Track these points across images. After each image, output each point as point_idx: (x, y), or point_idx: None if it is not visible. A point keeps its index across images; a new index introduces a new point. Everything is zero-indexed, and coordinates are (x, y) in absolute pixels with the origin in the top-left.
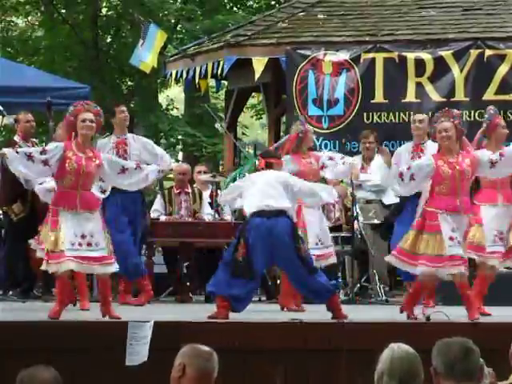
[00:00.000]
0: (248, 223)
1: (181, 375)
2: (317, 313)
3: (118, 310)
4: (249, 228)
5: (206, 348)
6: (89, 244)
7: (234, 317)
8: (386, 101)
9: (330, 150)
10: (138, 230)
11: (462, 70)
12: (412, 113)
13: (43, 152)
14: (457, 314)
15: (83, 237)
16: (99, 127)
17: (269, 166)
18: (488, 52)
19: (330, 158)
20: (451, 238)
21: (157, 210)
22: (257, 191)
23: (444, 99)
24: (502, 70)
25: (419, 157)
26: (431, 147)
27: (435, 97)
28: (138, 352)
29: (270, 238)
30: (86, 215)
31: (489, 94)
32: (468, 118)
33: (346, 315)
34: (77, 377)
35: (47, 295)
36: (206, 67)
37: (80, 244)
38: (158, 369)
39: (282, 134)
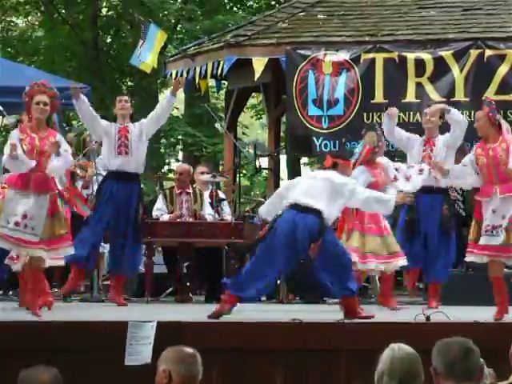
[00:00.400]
0: (280, 214)
1: (167, 382)
2: (318, 313)
3: (118, 310)
4: (279, 219)
5: (189, 350)
6: (26, 226)
7: (234, 317)
8: (386, 101)
9: (330, 149)
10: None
11: (461, 70)
12: (412, 113)
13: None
14: (457, 314)
15: (24, 217)
16: (54, 109)
17: (334, 166)
18: (488, 52)
19: (396, 169)
20: (487, 227)
21: (160, 209)
22: (301, 187)
23: (444, 99)
24: (502, 70)
25: (431, 150)
26: (441, 141)
27: (435, 97)
28: (139, 352)
29: (294, 232)
30: (36, 197)
31: (489, 94)
32: (468, 118)
33: (359, 314)
34: (77, 377)
35: None
36: (206, 67)
37: (17, 223)
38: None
39: (281, 134)
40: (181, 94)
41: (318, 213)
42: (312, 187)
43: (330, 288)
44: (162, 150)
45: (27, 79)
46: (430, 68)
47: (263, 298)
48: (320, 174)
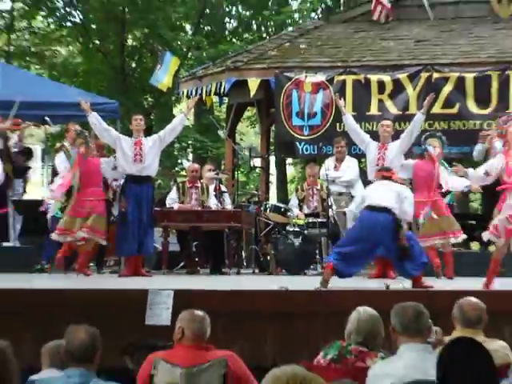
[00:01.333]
0: (361, 213)
1: (180, 337)
2: (301, 282)
3: (139, 281)
4: (360, 217)
5: (200, 313)
6: None
7: (234, 286)
8: (355, 113)
9: (310, 152)
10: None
11: (414, 89)
12: (375, 123)
13: None
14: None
15: None
16: None
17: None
18: (435, 75)
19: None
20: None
21: (173, 199)
22: (375, 192)
23: (400, 112)
24: (446, 89)
25: (384, 153)
26: (393, 146)
27: (393, 110)
28: (158, 315)
29: (374, 228)
30: None
31: (436, 109)
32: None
33: (429, 286)
34: (107, 332)
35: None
36: (211, 86)
37: None
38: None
39: (271, 140)
40: (191, 110)
41: (389, 211)
42: (384, 192)
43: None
44: (176, 153)
45: (69, 96)
46: (389, 87)
47: (256, 270)
48: (385, 183)
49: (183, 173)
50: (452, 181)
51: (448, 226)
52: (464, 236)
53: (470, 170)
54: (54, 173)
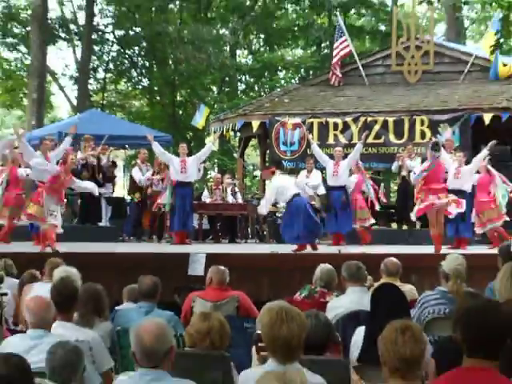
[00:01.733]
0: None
1: (210, 282)
2: (286, 249)
3: (184, 247)
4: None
5: (222, 267)
6: None
7: (241, 250)
8: (319, 142)
9: (291, 167)
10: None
11: (356, 127)
12: (331, 148)
13: None
14: (355, 250)
15: None
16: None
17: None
18: (369, 119)
19: None
20: None
21: (205, 196)
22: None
23: (347, 142)
24: (376, 127)
25: (337, 168)
26: (343, 163)
27: (343, 140)
28: (196, 268)
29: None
30: None
31: (369, 140)
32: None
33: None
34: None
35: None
36: (229, 126)
37: None
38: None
39: (266, 159)
40: (216, 141)
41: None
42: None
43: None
44: (206, 167)
45: (140, 132)
46: (340, 126)
47: (257, 241)
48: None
49: (212, 179)
50: None
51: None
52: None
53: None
54: (132, 180)
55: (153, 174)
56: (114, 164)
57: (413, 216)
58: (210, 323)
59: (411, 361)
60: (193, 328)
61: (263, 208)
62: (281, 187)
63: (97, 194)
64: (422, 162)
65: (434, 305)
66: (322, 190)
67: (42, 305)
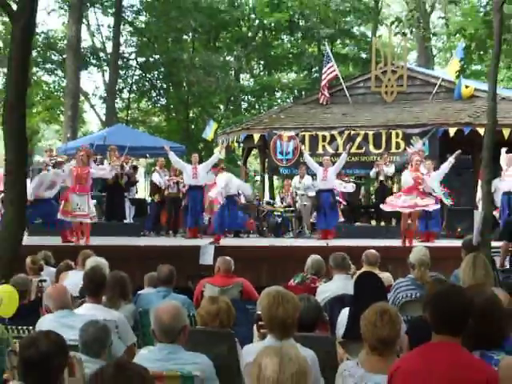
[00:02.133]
0: None
1: (218, 270)
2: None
3: (196, 240)
4: None
5: (228, 258)
6: None
7: (245, 244)
8: (310, 152)
9: (287, 173)
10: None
11: (341, 139)
12: (320, 157)
13: None
14: (341, 243)
15: None
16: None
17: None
18: (352, 132)
19: None
20: None
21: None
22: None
23: (334, 152)
24: (358, 139)
25: (326, 174)
26: (331, 169)
27: (330, 151)
28: (206, 259)
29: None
30: None
31: (353, 150)
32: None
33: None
34: (178, 267)
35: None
36: (234, 138)
37: None
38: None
39: (266, 165)
40: (223, 151)
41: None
42: None
43: None
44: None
45: (158, 143)
46: (328, 139)
47: (258, 235)
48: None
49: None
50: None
51: None
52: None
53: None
54: (152, 183)
55: (169, 180)
56: (136, 168)
57: (385, 207)
58: (219, 305)
59: (388, 341)
60: (203, 310)
61: (215, 194)
62: (229, 181)
63: (110, 177)
64: (396, 168)
65: (405, 290)
66: (312, 193)
67: (61, 291)
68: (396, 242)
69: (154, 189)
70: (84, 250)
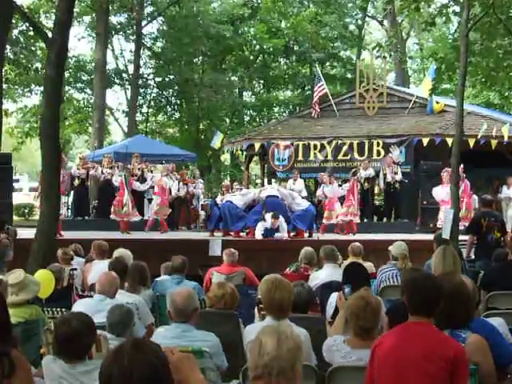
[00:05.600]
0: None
1: (222, 262)
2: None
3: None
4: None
5: (233, 249)
6: None
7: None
8: (303, 159)
9: (283, 177)
10: None
11: (330, 148)
12: (312, 163)
13: None
14: (329, 237)
15: None
16: None
17: None
18: (339, 142)
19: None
20: None
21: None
22: None
23: (323, 158)
24: (344, 148)
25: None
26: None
27: (320, 157)
28: (215, 250)
29: None
30: None
31: (340, 157)
32: (332, 165)
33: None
34: (190, 258)
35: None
36: (238, 147)
37: None
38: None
39: (265, 170)
40: (228, 156)
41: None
42: None
43: None
44: (222, 177)
45: (173, 151)
46: (318, 147)
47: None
48: None
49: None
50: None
51: None
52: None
53: None
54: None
55: (179, 183)
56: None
57: None
58: (224, 290)
59: (370, 329)
60: (212, 293)
61: None
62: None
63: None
64: (376, 172)
65: (388, 275)
66: (304, 194)
67: (109, 279)
68: (376, 236)
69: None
70: (97, 241)
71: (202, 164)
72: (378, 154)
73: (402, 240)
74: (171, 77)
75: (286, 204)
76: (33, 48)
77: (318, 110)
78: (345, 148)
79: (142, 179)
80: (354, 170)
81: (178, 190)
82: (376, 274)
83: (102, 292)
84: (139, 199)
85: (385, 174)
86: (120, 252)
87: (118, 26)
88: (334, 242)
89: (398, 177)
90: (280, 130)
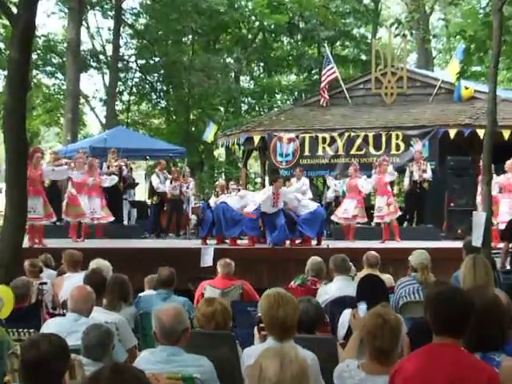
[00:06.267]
0: None
1: (216, 274)
2: None
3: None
4: None
5: (228, 260)
6: None
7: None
8: (310, 154)
9: (286, 174)
10: None
11: (341, 141)
12: (321, 158)
13: None
14: (341, 245)
15: None
16: None
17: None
18: (352, 134)
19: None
20: None
21: (213, 201)
22: None
23: (333, 153)
24: (358, 141)
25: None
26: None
27: (330, 152)
28: (207, 261)
29: None
30: None
31: (352, 151)
32: (344, 161)
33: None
34: (178, 269)
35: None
36: (234, 140)
37: None
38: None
39: (266, 168)
40: (223, 151)
41: None
42: None
43: None
44: (215, 175)
45: (158, 145)
46: (328, 140)
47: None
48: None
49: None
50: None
51: None
52: None
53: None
54: (151, 186)
55: (171, 182)
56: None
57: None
58: (214, 307)
59: (388, 351)
60: (199, 312)
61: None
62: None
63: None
64: (396, 169)
65: (407, 290)
66: (309, 195)
67: (83, 294)
68: (394, 244)
69: (153, 191)
70: (69, 250)
71: (193, 160)
72: (397, 148)
73: (426, 248)
74: (156, 59)
75: (289, 209)
76: None
77: (328, 97)
78: (358, 141)
79: (121, 179)
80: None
81: (175, 190)
82: (395, 288)
83: (76, 310)
84: (115, 200)
85: (411, 172)
86: (97, 263)
87: (94, 0)
88: (347, 251)
89: (427, 175)
90: (283, 121)
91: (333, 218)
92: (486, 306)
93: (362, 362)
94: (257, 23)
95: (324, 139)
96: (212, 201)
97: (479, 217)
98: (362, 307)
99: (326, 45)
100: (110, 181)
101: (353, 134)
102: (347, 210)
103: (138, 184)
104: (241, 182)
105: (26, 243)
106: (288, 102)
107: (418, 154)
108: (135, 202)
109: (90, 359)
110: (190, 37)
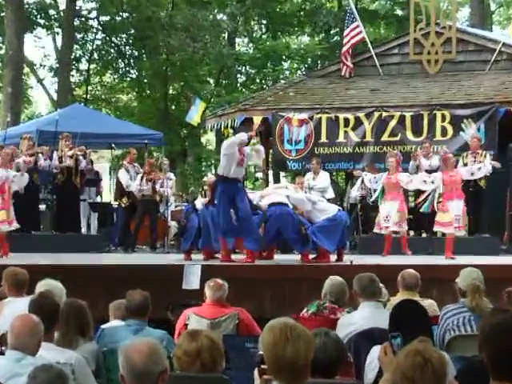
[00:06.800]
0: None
1: (205, 299)
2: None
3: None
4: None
5: (219, 280)
6: None
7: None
8: (327, 141)
9: (296, 168)
10: None
11: (369, 124)
12: (342, 147)
13: None
14: (369, 260)
15: None
16: None
17: None
18: (384, 114)
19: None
20: None
21: (199, 202)
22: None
23: (359, 140)
24: (392, 124)
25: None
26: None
27: (355, 138)
28: (191, 282)
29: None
30: None
31: (384, 137)
32: (372, 150)
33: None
34: (154, 294)
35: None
36: (227, 122)
37: None
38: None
39: (269, 159)
40: (213, 137)
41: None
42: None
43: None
44: (203, 168)
45: (128, 129)
46: (351, 122)
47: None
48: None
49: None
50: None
51: None
52: None
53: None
54: (118, 183)
55: (142, 178)
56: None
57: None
58: (199, 343)
59: None
60: (180, 350)
61: None
62: None
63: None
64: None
65: (458, 313)
66: (330, 194)
67: (28, 326)
68: (441, 259)
69: (122, 190)
70: (10, 268)
71: (173, 149)
72: (444, 132)
73: (480, 266)
74: (124, 15)
75: (300, 215)
76: None
77: (351, 65)
78: (392, 124)
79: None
80: (415, 159)
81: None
82: (439, 318)
83: (18, 346)
84: (73, 204)
85: (465, 164)
86: (46, 285)
87: None
88: (376, 269)
89: (487, 169)
90: (292, 97)
91: (375, 230)
92: None
93: None
94: None
95: (347, 121)
96: (198, 202)
97: None
98: (396, 342)
99: None
100: (18, 182)
101: (384, 114)
102: (390, 217)
103: (101, 180)
104: None
105: None
106: (299, 72)
107: (476, 141)
108: (97, 204)
109: None
110: None
